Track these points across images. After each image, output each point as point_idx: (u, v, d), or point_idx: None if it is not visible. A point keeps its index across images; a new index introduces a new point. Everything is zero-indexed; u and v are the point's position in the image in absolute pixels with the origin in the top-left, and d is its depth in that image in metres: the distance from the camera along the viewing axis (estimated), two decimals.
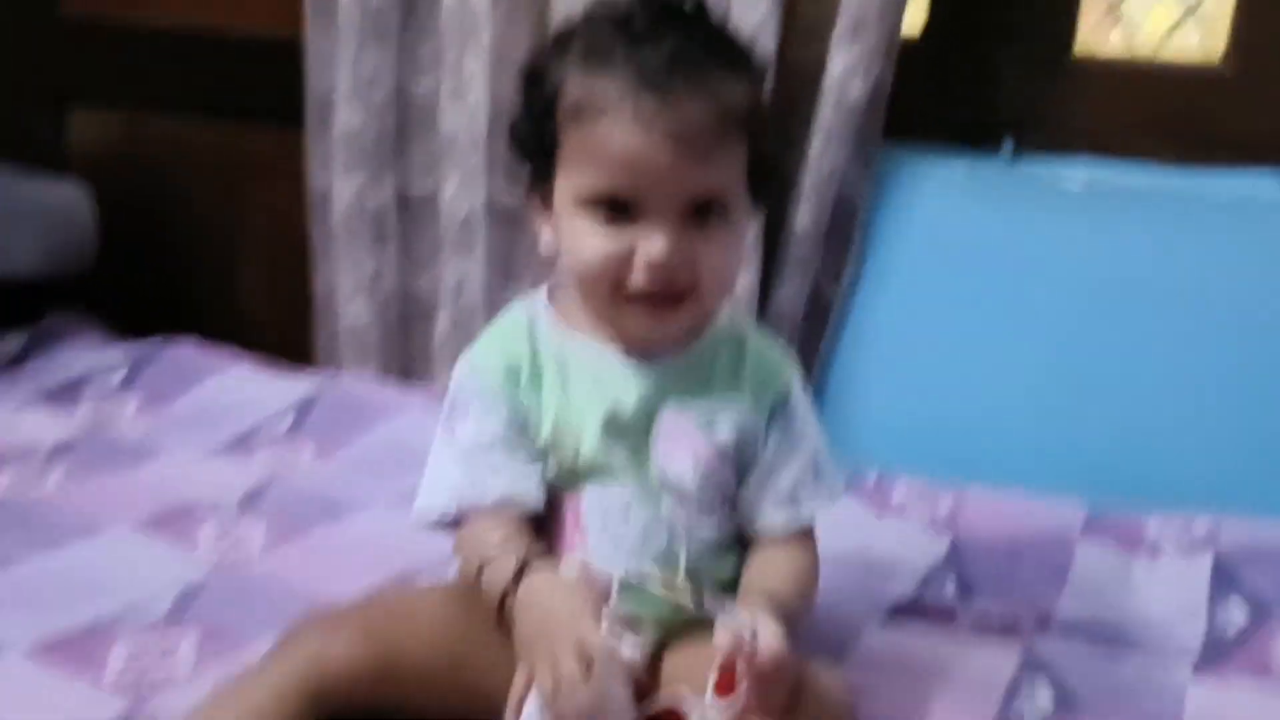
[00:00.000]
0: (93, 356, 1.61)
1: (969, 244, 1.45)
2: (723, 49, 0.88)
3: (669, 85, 0.82)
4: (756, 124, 0.88)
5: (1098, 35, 1.56)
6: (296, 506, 1.26)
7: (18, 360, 1.61)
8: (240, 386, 1.55)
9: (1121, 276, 1.41)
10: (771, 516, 0.92)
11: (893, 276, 1.48)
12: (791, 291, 1.45)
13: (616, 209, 0.84)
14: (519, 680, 0.80)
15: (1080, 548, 1.26)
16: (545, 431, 0.90)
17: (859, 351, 1.49)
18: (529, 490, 0.89)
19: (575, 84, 0.85)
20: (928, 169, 1.47)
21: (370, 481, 1.33)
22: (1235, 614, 1.15)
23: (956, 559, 1.25)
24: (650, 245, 0.84)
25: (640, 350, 0.90)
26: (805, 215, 1.42)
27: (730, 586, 0.91)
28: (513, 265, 1.59)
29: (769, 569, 0.91)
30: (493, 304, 1.55)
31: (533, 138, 0.89)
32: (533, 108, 0.89)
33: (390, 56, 1.58)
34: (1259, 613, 1.14)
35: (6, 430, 1.40)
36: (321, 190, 1.65)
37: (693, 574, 0.88)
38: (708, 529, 0.91)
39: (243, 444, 1.42)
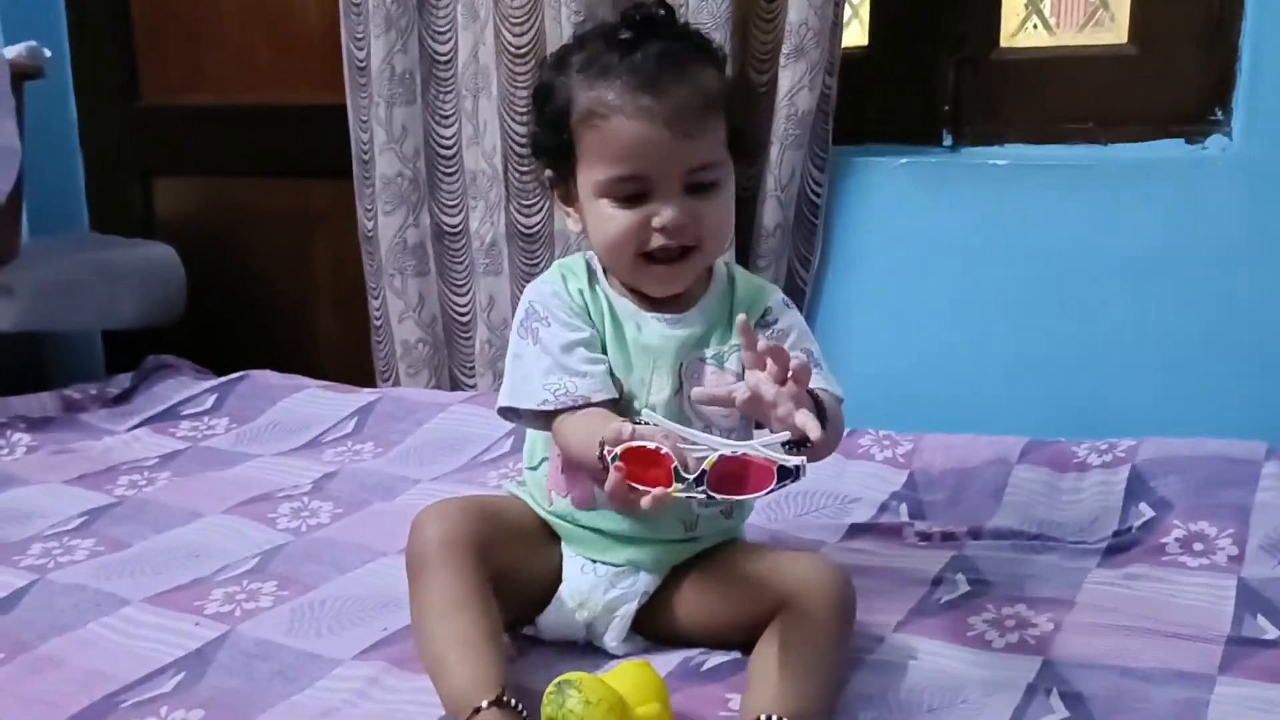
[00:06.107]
0: (187, 389, 1.89)
1: (917, 225, 1.66)
2: (694, 46, 1.08)
3: (659, 81, 1.02)
4: (729, 102, 1.07)
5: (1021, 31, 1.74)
6: (358, 490, 1.50)
7: (125, 396, 1.90)
8: (310, 402, 1.81)
9: (1048, 241, 1.60)
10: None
11: (854, 259, 1.69)
12: (767, 279, 1.66)
13: (631, 191, 1.03)
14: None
15: (1016, 470, 1.44)
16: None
17: (831, 325, 1.70)
18: (608, 387, 1.05)
19: (582, 94, 1.04)
20: (877, 164, 1.67)
21: (418, 467, 1.58)
22: (1143, 513, 1.32)
23: (911, 488, 1.45)
24: (663, 215, 1.03)
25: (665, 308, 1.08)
26: (772, 214, 1.64)
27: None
28: (535, 278, 1.82)
29: None
30: None
31: (553, 144, 1.08)
32: (547, 119, 1.08)
33: (416, 112, 1.84)
34: (1162, 511, 1.31)
35: (122, 448, 1.69)
36: (368, 230, 1.92)
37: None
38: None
39: (313, 445, 1.68)
